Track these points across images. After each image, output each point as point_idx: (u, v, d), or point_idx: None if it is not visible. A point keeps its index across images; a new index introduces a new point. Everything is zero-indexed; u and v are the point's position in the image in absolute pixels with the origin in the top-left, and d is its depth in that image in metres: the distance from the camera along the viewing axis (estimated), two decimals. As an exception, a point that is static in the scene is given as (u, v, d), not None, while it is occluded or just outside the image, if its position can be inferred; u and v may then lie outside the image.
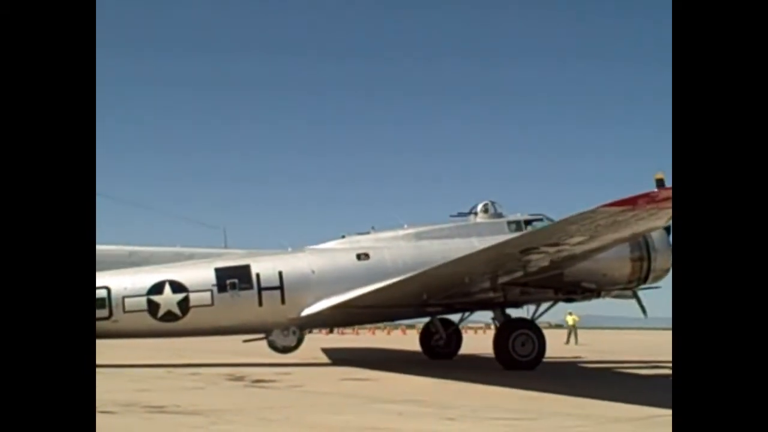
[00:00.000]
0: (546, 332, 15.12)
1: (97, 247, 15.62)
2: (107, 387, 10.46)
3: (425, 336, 19.10)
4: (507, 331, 14.84)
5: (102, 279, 14.93)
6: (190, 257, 16.11)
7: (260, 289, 15.49)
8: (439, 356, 18.46)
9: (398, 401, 9.10)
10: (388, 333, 58.67)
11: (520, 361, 14.28)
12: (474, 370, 14.74)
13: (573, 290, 15.86)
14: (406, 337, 44.72)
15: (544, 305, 16.65)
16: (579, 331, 36.47)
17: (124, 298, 14.98)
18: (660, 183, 13.06)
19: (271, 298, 15.52)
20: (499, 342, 14.72)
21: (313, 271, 15.92)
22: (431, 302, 15.92)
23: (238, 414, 7.74)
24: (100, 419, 7.14)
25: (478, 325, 50.77)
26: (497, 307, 15.82)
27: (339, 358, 19.61)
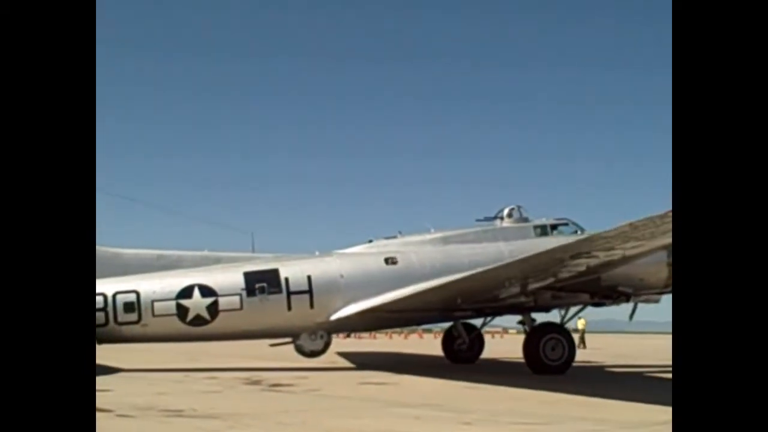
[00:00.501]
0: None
1: (125, 250, 15.92)
2: (126, 390, 10.53)
3: (447, 340, 19.00)
4: (537, 335, 14.67)
5: (131, 283, 15.10)
6: (218, 261, 16.15)
7: (289, 293, 15.46)
8: (462, 360, 18.34)
9: (416, 405, 9.00)
10: (405, 337, 58.52)
11: (550, 365, 14.10)
12: (495, 374, 14.55)
13: (608, 294, 15.61)
14: (423, 341, 44.53)
15: (572, 310, 16.42)
16: (592, 335, 36.17)
17: (153, 302, 15.03)
18: None
19: (300, 302, 15.48)
20: (529, 347, 14.56)
21: (341, 276, 15.87)
22: (463, 306, 15.76)
23: (255, 418, 7.71)
24: (118, 423, 7.19)
25: (496, 329, 50.55)
26: (527, 311, 15.65)
27: (357, 362, 19.51)
